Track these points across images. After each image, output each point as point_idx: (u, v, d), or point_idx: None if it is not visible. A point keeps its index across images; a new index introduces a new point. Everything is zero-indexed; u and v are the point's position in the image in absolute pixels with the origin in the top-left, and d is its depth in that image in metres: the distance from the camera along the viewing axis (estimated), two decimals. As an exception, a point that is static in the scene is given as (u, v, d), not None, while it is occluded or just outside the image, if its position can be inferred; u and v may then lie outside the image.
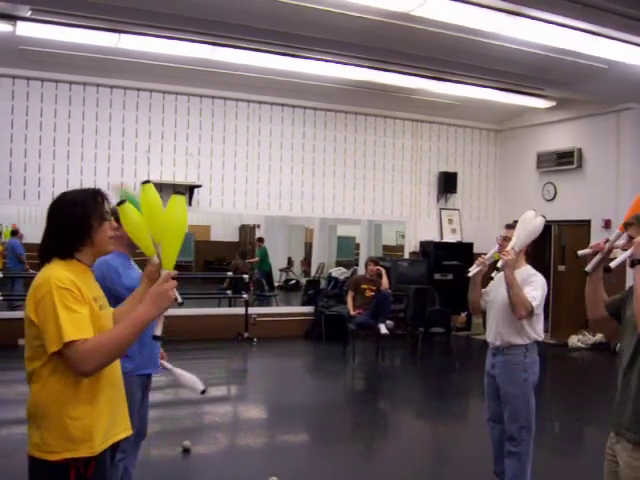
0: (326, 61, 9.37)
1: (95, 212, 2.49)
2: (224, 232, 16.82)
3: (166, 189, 10.89)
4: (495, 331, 4.43)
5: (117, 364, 2.56)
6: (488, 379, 4.52)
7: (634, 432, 2.85)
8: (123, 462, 3.79)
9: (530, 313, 4.24)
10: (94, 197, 2.52)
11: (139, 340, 3.30)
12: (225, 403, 8.16)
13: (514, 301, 4.19)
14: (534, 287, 4.29)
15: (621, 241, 3.11)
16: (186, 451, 5.71)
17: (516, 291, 4.19)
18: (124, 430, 2.59)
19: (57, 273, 2.37)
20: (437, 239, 12.93)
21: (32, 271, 10.55)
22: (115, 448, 2.57)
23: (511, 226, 4.56)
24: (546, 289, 4.41)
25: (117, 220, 3.54)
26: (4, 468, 5.04)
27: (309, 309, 12.23)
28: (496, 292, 4.51)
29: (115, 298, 3.53)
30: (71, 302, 2.32)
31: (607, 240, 3.22)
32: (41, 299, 2.33)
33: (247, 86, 10.96)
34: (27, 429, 2.45)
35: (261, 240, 15.57)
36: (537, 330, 4.36)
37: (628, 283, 3.14)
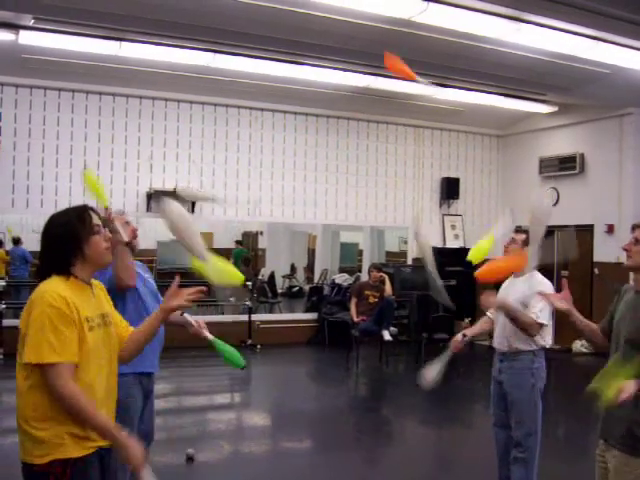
0: (328, 68, 9.38)
1: (80, 229, 2.57)
2: (227, 239, 16.79)
3: (169, 197, 10.92)
4: (502, 337, 4.41)
5: (104, 380, 2.61)
6: (495, 384, 4.51)
7: (626, 445, 2.90)
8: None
9: (540, 328, 4.24)
10: (79, 215, 2.61)
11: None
12: (229, 410, 8.15)
13: (522, 327, 4.21)
14: (536, 300, 4.26)
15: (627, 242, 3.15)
16: (190, 459, 5.70)
17: (518, 318, 4.20)
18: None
19: (52, 289, 2.46)
20: (440, 245, 12.92)
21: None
22: (103, 455, 2.58)
23: (518, 230, 4.56)
24: None
25: (110, 230, 3.60)
26: (10, 476, 5.03)
27: (312, 316, 12.22)
28: (503, 298, 4.50)
29: None
30: (59, 322, 2.41)
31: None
32: (32, 312, 2.44)
33: (249, 93, 10.97)
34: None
35: (239, 242, 15.57)
36: (545, 337, 4.34)
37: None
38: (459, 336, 4.54)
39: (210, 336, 3.50)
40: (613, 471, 2.94)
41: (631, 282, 3.12)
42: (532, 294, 4.27)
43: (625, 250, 3.07)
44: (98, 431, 2.47)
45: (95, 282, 2.72)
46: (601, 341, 3.32)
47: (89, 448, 2.49)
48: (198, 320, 3.71)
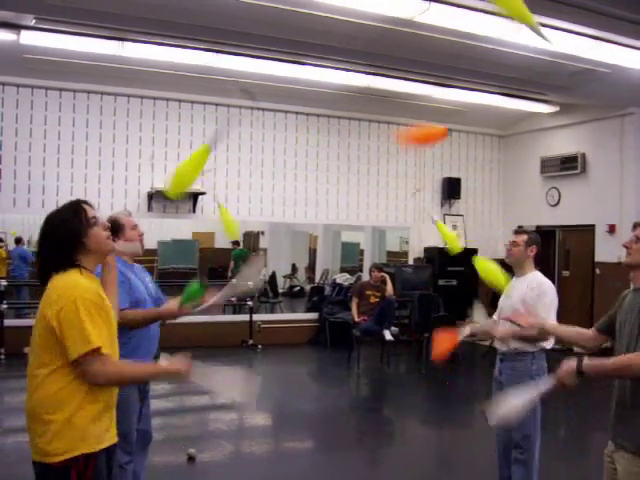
0: (330, 68, 9.38)
1: (78, 224, 2.61)
2: (228, 239, 16.79)
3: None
4: (503, 337, 4.41)
5: None
6: (496, 385, 4.51)
7: (631, 442, 2.89)
8: (132, 465, 3.81)
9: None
10: (74, 210, 2.65)
11: (137, 342, 3.33)
12: (230, 410, 8.14)
13: (537, 340, 4.22)
14: (542, 303, 4.25)
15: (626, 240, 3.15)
16: (191, 459, 5.71)
17: (529, 338, 4.22)
18: (114, 435, 2.67)
19: (82, 282, 2.51)
20: (441, 245, 12.90)
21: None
22: (111, 454, 2.63)
23: (519, 231, 4.55)
24: (555, 296, 4.37)
25: (121, 230, 3.64)
26: (10, 476, 5.03)
27: (313, 316, 12.22)
28: (504, 299, 4.49)
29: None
30: (95, 314, 2.47)
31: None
32: (65, 306, 2.44)
33: (250, 93, 10.95)
34: (28, 435, 2.53)
35: (236, 243, 15.55)
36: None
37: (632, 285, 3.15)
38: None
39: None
40: (623, 472, 2.92)
41: (631, 284, 3.12)
42: (536, 296, 4.26)
43: (625, 247, 3.09)
44: (148, 381, 2.63)
45: None
46: (590, 342, 3.34)
47: (105, 442, 2.55)
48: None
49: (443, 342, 4.12)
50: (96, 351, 2.41)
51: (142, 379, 2.56)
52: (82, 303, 2.43)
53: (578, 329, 3.49)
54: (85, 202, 2.71)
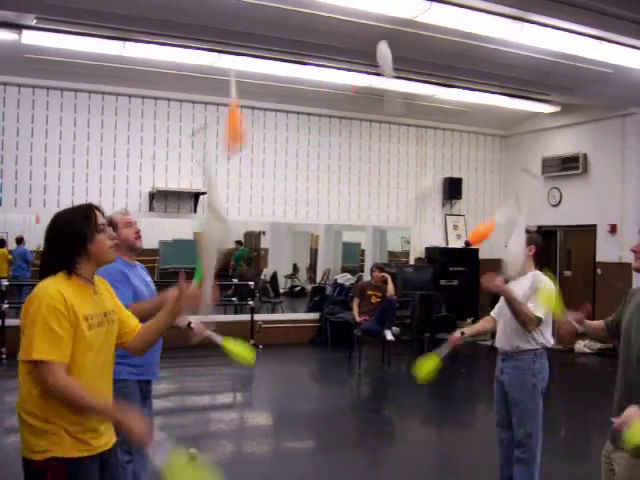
0: (331, 68, 9.38)
1: (86, 228, 2.59)
2: (229, 239, 16.77)
3: (171, 196, 10.94)
4: (504, 336, 4.41)
5: (106, 386, 2.65)
6: (497, 384, 4.50)
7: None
8: (132, 465, 3.80)
9: (538, 324, 4.23)
10: (84, 214, 2.63)
11: None
12: (231, 410, 8.15)
13: (519, 319, 4.20)
14: (534, 300, 4.24)
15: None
16: (192, 459, 5.69)
17: (517, 307, 4.19)
18: (108, 441, 2.64)
19: (51, 287, 2.48)
20: (442, 245, 12.91)
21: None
22: (105, 459, 2.61)
23: None
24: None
25: (114, 229, 3.63)
26: (11, 476, 5.03)
27: (315, 316, 12.22)
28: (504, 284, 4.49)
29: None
30: (53, 321, 2.41)
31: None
32: (30, 309, 2.45)
33: (252, 93, 10.94)
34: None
35: (239, 243, 15.51)
36: (546, 336, 4.34)
37: (635, 285, 3.14)
38: (457, 333, 4.48)
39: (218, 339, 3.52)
40: (620, 472, 2.92)
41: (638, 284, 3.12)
42: (532, 292, 4.26)
43: (633, 252, 3.08)
44: (98, 416, 2.50)
45: (98, 278, 2.72)
46: (603, 333, 3.39)
47: (88, 451, 2.51)
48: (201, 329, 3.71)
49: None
50: (40, 361, 2.38)
51: (90, 408, 2.46)
52: (45, 309, 2.41)
53: (595, 324, 3.47)
54: (97, 208, 2.69)
